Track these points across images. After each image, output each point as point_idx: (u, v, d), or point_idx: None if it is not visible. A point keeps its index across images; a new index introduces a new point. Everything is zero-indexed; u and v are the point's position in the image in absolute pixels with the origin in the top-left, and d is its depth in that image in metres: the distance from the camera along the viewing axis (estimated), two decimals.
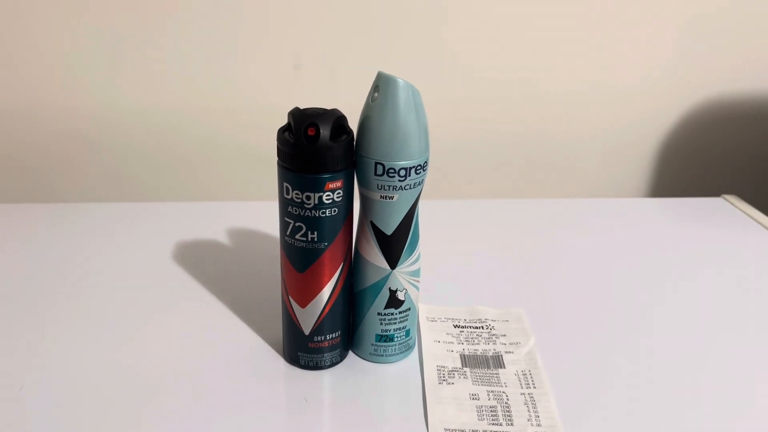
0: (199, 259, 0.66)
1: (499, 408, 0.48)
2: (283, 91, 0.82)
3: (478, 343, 0.54)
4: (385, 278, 0.49)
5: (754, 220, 0.77)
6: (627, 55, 0.84)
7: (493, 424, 0.46)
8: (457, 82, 0.83)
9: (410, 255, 0.49)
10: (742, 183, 0.90)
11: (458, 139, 0.86)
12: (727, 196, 0.82)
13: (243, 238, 0.70)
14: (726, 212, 0.79)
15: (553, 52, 0.83)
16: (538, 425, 0.46)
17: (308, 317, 0.49)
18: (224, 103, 0.83)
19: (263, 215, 0.71)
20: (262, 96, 0.82)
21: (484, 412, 0.47)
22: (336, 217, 0.46)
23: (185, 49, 0.80)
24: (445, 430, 0.46)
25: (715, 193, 0.84)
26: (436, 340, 0.55)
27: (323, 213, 0.45)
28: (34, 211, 0.76)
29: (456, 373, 0.51)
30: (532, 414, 0.47)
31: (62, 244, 0.69)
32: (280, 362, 0.52)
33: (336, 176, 0.45)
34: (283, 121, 0.46)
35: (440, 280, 0.62)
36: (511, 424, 0.46)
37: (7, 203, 0.80)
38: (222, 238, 0.70)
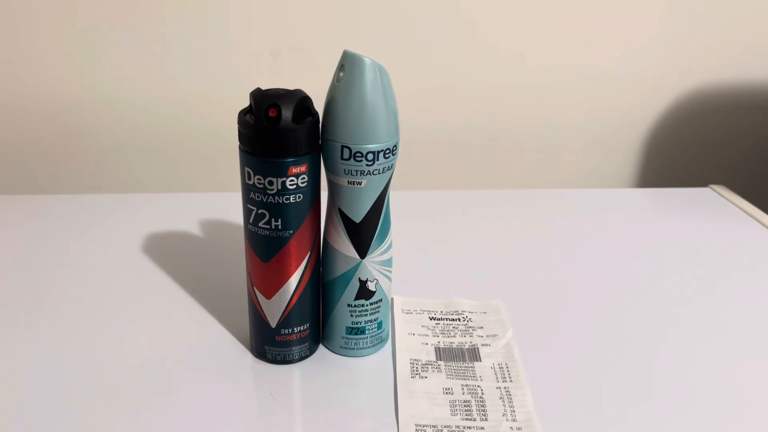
0: (168, 251, 0.64)
1: (473, 402, 0.46)
2: (260, 79, 0.80)
3: (454, 336, 0.52)
4: (355, 268, 0.47)
5: (742, 210, 0.75)
6: (613, 45, 0.82)
7: (467, 419, 0.44)
8: (439, 70, 0.81)
9: (381, 244, 0.47)
10: (729, 173, 0.89)
11: (439, 128, 0.84)
12: (715, 187, 0.81)
13: (215, 229, 0.68)
14: (713, 202, 0.78)
15: (537, 40, 0.81)
16: (513, 420, 0.44)
17: (274, 309, 0.47)
18: (200, 92, 0.81)
19: (238, 206, 0.69)
20: (238, 84, 0.80)
21: (457, 407, 0.45)
22: (301, 204, 0.44)
23: (161, 38, 0.78)
24: (416, 425, 0.44)
25: (703, 183, 0.83)
26: (411, 333, 0.53)
27: (287, 199, 0.43)
28: (6, 203, 0.74)
29: (430, 366, 0.49)
30: (508, 408, 0.45)
31: (28, 236, 0.66)
32: (248, 356, 0.50)
33: (300, 160, 0.43)
34: None
35: (417, 272, 0.61)
36: (486, 419, 0.44)
37: None
38: (194, 229, 0.68)
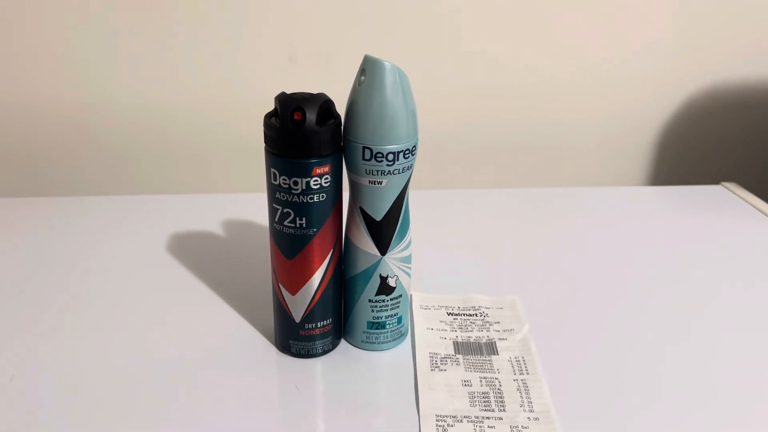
0: (193, 251, 0.66)
1: (491, 394, 0.47)
2: (278, 83, 0.81)
3: (471, 330, 0.54)
4: (376, 265, 0.49)
5: (754, 207, 0.76)
6: (624, 42, 0.83)
7: (486, 410, 0.46)
8: (453, 70, 0.83)
9: (401, 241, 0.49)
10: (741, 170, 0.89)
11: (453, 128, 0.86)
12: (727, 184, 0.81)
13: (238, 229, 0.70)
14: (726, 200, 0.78)
15: (549, 39, 0.82)
16: (531, 411, 0.46)
17: (299, 304, 0.49)
18: (219, 96, 0.83)
19: (257, 206, 0.70)
20: (256, 89, 0.82)
21: (476, 399, 0.47)
22: (324, 203, 0.46)
23: (180, 43, 0.80)
24: (437, 416, 0.45)
25: (715, 180, 0.84)
26: (429, 328, 0.54)
27: (311, 198, 0.45)
28: (29, 205, 0.76)
29: (449, 360, 0.51)
30: (525, 400, 0.47)
31: (54, 238, 0.68)
32: (272, 351, 0.52)
33: (323, 161, 0.45)
34: None
35: (435, 268, 0.62)
36: (504, 410, 0.46)
37: (4, 197, 0.80)
38: (217, 229, 0.70)
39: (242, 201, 0.76)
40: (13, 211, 0.74)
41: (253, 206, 0.72)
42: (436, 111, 0.83)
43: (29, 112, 0.82)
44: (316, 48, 0.81)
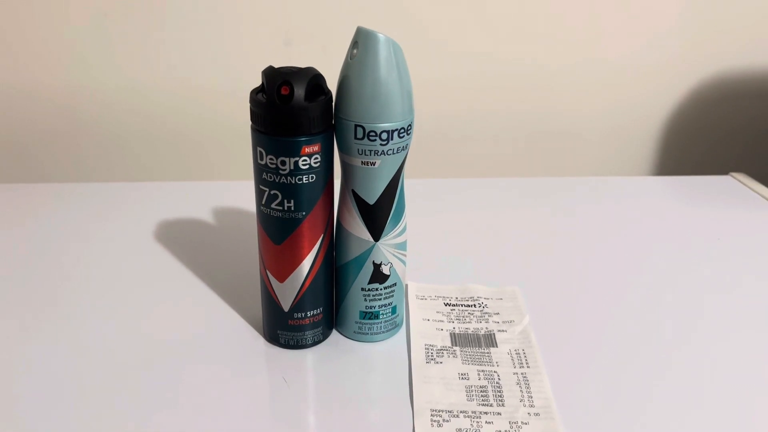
0: (183, 238, 0.64)
1: (489, 388, 0.45)
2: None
3: (469, 322, 0.51)
4: (369, 251, 0.46)
5: (763, 197, 0.74)
6: (632, 31, 0.81)
7: (483, 404, 0.43)
8: (457, 58, 0.80)
9: (395, 226, 0.46)
10: (750, 160, 0.87)
11: (458, 116, 0.83)
12: (735, 174, 0.79)
13: (228, 217, 0.68)
14: (734, 190, 0.76)
15: (555, 28, 0.80)
16: (531, 406, 0.43)
17: (287, 293, 0.46)
18: (214, 82, 0.80)
19: (250, 194, 0.68)
20: (252, 74, 0.80)
21: (473, 393, 0.44)
22: (314, 185, 0.43)
23: (174, 27, 0.78)
24: (432, 411, 0.43)
25: (723, 171, 0.81)
26: (425, 319, 0.52)
27: (300, 179, 0.43)
28: (19, 191, 0.74)
29: (445, 352, 0.48)
30: (525, 394, 0.44)
31: (43, 224, 0.66)
32: (260, 341, 0.49)
33: (313, 140, 0.42)
34: None
35: (432, 258, 0.60)
36: (503, 405, 0.43)
37: None
38: (207, 217, 0.68)
39: (235, 188, 0.74)
40: (3, 197, 0.72)
41: (246, 194, 0.70)
42: (438, 98, 0.81)
43: (18, 98, 0.81)
44: (311, 31, 0.78)
